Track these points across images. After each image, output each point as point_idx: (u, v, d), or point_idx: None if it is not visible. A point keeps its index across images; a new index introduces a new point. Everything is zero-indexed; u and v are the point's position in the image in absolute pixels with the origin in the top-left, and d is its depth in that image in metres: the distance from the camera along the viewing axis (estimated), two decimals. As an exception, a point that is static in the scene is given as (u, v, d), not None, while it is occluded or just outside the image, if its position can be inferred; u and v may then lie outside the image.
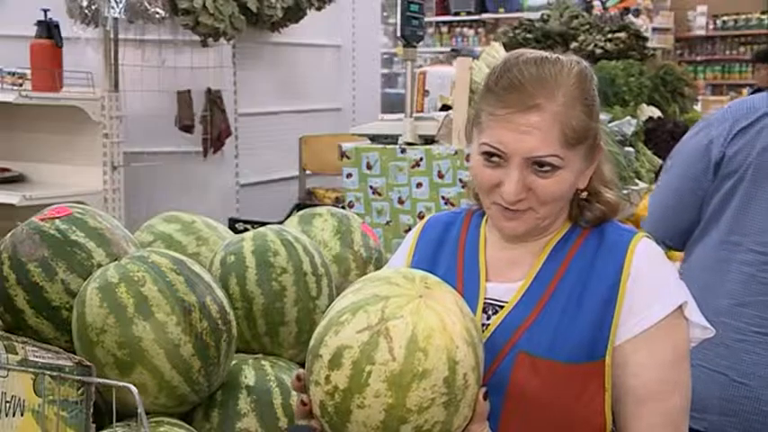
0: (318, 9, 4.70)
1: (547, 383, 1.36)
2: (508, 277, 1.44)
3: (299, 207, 3.92)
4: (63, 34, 3.74)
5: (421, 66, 5.95)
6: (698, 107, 5.51)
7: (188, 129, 4.60)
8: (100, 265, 1.52)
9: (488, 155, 1.38)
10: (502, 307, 1.41)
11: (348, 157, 3.51)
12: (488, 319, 1.41)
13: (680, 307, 1.40)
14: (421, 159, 3.35)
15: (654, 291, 1.39)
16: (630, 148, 3.78)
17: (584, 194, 1.46)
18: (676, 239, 2.28)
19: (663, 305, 1.39)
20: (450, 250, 1.52)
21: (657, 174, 4.00)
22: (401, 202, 3.43)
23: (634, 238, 1.44)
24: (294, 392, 1.52)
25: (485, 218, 1.51)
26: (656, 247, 1.45)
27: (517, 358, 1.36)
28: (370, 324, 1.20)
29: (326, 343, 1.22)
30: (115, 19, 3.74)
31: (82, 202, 1.87)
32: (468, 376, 1.21)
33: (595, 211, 1.46)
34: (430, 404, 1.18)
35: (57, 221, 1.57)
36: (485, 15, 10.97)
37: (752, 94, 6.50)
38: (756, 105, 2.29)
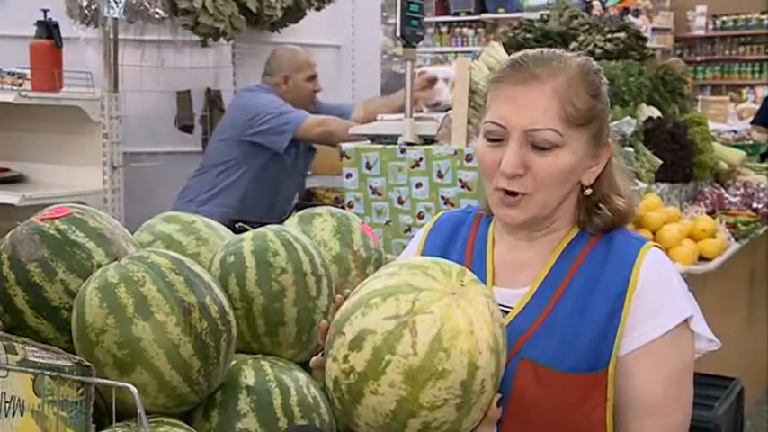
0: (318, 9, 4.69)
1: (549, 391, 1.35)
2: (515, 282, 1.44)
3: (298, 207, 3.92)
4: (63, 34, 3.74)
5: (420, 66, 5.95)
6: (698, 107, 5.52)
7: (188, 129, 4.60)
8: (100, 266, 1.52)
9: (491, 134, 1.39)
10: (507, 312, 1.40)
11: (348, 158, 3.51)
12: None
13: (686, 320, 1.39)
14: (421, 159, 3.35)
15: (660, 302, 1.38)
16: (630, 149, 3.78)
17: (593, 197, 1.44)
18: None
19: (669, 318, 1.37)
20: (459, 250, 1.52)
21: (657, 174, 4.01)
22: (401, 202, 3.43)
23: (643, 248, 1.42)
24: (294, 390, 1.52)
25: (493, 220, 1.51)
26: (665, 258, 1.44)
27: (520, 365, 1.35)
28: (398, 313, 1.19)
29: (351, 322, 1.22)
30: (115, 19, 3.73)
31: (82, 202, 1.87)
32: (486, 382, 1.21)
33: (605, 218, 1.44)
34: (443, 404, 1.18)
35: (56, 222, 1.57)
36: (484, 15, 10.96)
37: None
38: None
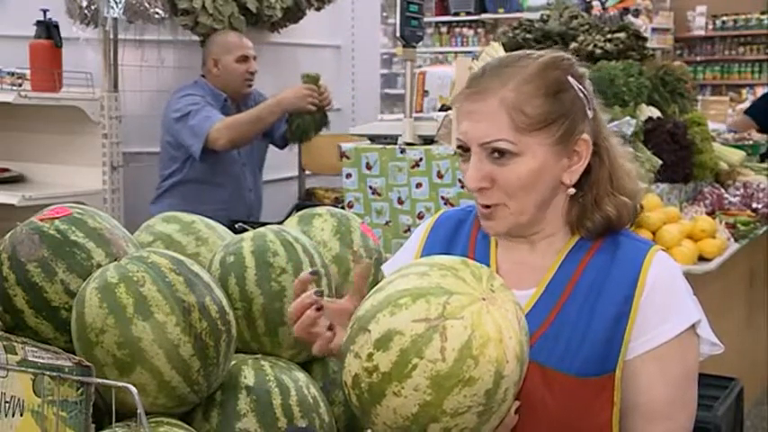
0: (318, 9, 4.69)
1: (556, 395, 1.35)
2: (519, 285, 1.42)
3: (298, 207, 3.92)
4: (62, 34, 3.74)
5: (420, 66, 5.95)
6: (698, 107, 5.51)
7: (187, 129, 4.59)
8: (99, 266, 1.52)
9: (460, 149, 1.41)
10: None
11: (348, 158, 3.51)
12: None
13: (693, 325, 1.38)
14: (420, 159, 3.36)
15: (668, 307, 1.37)
16: (630, 149, 3.78)
17: (584, 199, 1.43)
18: None
19: (676, 323, 1.37)
20: (462, 249, 1.51)
21: (657, 174, 4.01)
22: (401, 202, 3.43)
23: (650, 252, 1.41)
24: (293, 390, 1.52)
25: None
26: (672, 262, 1.43)
27: (527, 368, 1.35)
28: (428, 317, 1.16)
29: (378, 320, 1.19)
30: (115, 19, 3.74)
31: (81, 202, 1.87)
32: (509, 391, 1.20)
33: (596, 223, 1.42)
34: (465, 411, 1.17)
35: (56, 222, 1.57)
36: (484, 15, 10.96)
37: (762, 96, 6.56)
38: None
